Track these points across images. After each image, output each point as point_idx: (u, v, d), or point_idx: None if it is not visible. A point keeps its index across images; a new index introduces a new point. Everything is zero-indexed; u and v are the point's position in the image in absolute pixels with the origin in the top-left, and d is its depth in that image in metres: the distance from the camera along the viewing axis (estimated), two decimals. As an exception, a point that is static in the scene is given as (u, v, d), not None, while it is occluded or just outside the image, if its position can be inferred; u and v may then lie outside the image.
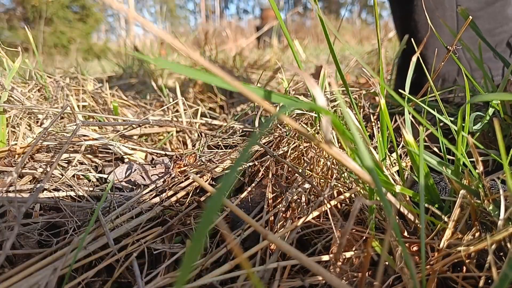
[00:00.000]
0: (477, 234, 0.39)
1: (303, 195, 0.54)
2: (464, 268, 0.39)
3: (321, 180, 0.57)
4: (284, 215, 0.52)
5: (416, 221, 0.42)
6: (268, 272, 0.42)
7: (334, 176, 0.55)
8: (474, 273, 0.37)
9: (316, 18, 0.39)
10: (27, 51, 4.09)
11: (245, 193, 0.59)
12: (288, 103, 0.29)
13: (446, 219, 0.41)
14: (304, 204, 0.53)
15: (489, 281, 0.37)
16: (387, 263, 0.43)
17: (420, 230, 0.34)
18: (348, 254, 0.42)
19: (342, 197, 0.49)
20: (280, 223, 0.51)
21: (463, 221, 0.39)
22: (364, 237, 0.44)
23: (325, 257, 0.42)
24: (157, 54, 2.59)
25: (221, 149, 0.76)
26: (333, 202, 0.48)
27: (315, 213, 0.47)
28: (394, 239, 0.39)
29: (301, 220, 0.46)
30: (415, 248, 0.43)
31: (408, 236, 0.44)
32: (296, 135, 0.64)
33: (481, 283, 0.36)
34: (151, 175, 0.66)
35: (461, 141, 0.43)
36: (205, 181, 0.64)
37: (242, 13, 30.64)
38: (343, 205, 0.54)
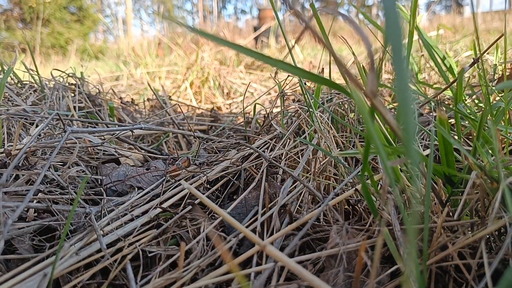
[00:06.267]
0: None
1: (299, 197, 0.53)
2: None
3: (317, 181, 0.57)
4: (279, 217, 0.52)
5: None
6: (264, 275, 0.42)
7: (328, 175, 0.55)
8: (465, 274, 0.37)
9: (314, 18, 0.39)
10: (25, 52, 4.08)
11: (240, 197, 0.59)
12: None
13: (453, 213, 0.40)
14: (306, 204, 0.53)
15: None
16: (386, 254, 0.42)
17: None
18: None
19: (340, 198, 0.49)
20: (276, 226, 0.50)
21: (472, 202, 0.38)
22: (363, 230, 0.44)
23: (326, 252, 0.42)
24: (154, 55, 2.59)
25: (216, 152, 0.76)
26: (332, 203, 0.48)
27: (309, 216, 0.47)
28: (398, 229, 0.38)
29: (298, 223, 0.46)
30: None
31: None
32: (293, 135, 0.64)
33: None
34: (146, 178, 0.66)
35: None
36: (200, 184, 0.63)
37: (239, 14, 30.64)
38: (339, 204, 0.54)
